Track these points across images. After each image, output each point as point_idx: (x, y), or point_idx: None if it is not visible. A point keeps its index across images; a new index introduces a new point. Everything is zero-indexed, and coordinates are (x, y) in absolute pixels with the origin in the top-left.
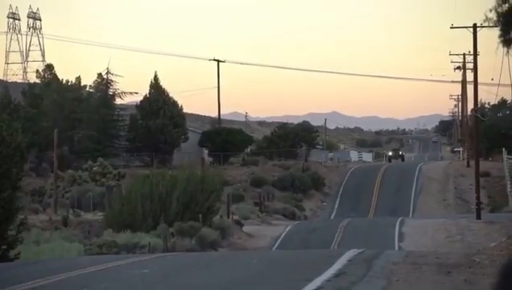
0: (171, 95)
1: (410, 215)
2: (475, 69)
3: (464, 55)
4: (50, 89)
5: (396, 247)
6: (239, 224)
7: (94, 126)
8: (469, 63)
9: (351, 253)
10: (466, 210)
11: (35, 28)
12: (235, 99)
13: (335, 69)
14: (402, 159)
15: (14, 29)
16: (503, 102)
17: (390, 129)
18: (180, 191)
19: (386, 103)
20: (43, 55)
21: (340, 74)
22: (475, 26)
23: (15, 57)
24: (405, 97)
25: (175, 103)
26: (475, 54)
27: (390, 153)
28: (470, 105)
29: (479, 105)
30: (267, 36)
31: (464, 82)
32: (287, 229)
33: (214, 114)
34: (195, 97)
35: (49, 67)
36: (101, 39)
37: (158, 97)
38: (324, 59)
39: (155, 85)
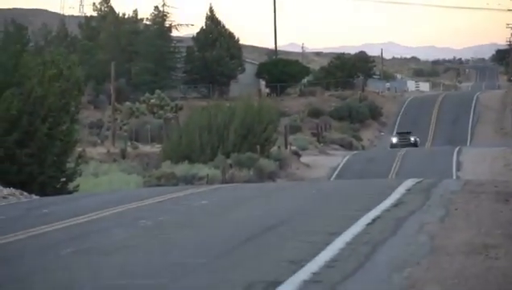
0: (227, 27)
1: (468, 144)
2: None
3: None
4: (106, 22)
5: (454, 176)
6: (297, 154)
7: (151, 58)
8: None
9: (409, 182)
10: None
11: None
12: (292, 30)
13: None
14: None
15: None
16: None
17: (447, 58)
18: (238, 122)
19: (442, 32)
20: None
21: (395, 4)
22: None
23: None
24: (461, 26)
25: (231, 35)
26: None
27: (394, 140)
28: None
29: None
30: None
31: None
32: (345, 160)
33: (271, 46)
34: (251, 29)
35: (105, 0)
36: None
37: (214, 29)
38: None
39: (211, 17)
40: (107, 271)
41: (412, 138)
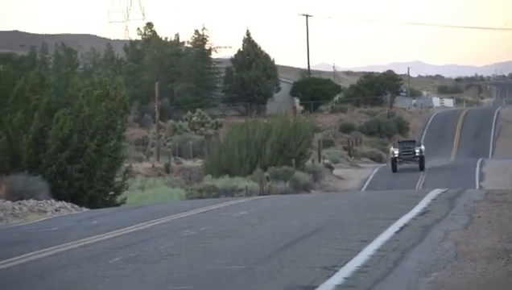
0: (263, 49)
1: (490, 156)
2: None
3: None
4: (150, 46)
5: (477, 186)
6: (330, 167)
7: (192, 78)
8: None
9: (435, 192)
10: None
11: None
12: (323, 51)
13: (416, 20)
14: (421, 167)
15: None
16: None
17: (469, 76)
18: (274, 138)
19: (465, 51)
20: (143, 14)
21: (421, 25)
22: None
23: (117, 16)
24: (482, 45)
25: (267, 56)
26: None
27: (396, 151)
28: None
29: None
30: None
31: None
32: (375, 172)
33: (304, 66)
34: (286, 50)
35: (149, 25)
36: None
37: (250, 51)
38: (406, 10)
39: (248, 40)
40: (154, 277)
41: (417, 150)
